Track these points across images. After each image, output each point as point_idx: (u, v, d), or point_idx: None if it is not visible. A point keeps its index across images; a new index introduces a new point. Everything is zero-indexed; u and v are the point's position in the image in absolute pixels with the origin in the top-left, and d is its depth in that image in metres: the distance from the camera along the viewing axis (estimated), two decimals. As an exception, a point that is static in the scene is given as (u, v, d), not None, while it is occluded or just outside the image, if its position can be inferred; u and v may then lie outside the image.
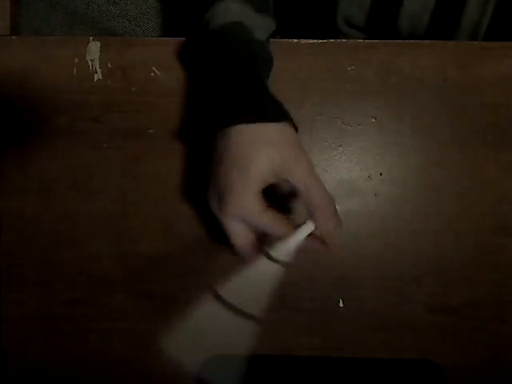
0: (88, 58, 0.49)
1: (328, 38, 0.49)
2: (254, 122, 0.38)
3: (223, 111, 0.39)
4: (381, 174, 0.49)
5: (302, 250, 0.38)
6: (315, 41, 0.49)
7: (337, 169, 0.49)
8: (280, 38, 0.50)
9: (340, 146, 0.49)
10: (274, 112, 0.39)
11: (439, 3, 0.54)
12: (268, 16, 0.47)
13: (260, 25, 0.45)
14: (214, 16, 0.44)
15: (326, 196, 0.38)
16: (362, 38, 0.62)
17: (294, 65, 0.48)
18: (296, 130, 0.40)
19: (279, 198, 0.45)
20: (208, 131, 0.41)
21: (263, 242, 0.39)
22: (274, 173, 0.37)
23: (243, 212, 0.37)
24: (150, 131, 0.49)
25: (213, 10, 0.44)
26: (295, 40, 0.49)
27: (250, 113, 0.38)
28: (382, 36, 0.60)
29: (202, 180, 0.41)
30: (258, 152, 0.37)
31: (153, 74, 0.49)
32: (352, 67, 0.48)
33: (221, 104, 0.40)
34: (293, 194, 0.47)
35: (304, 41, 0.49)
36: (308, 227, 0.38)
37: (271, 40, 0.48)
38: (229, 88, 0.40)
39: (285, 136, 0.38)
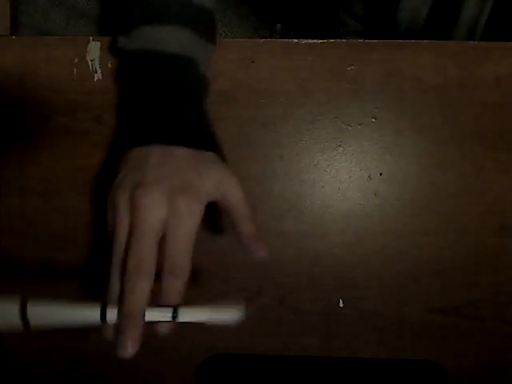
0: (88, 57, 0.49)
1: (327, 28, 0.49)
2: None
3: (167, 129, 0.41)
4: (381, 174, 0.49)
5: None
6: (315, 41, 0.48)
7: (337, 169, 0.49)
8: (280, 37, 0.49)
9: (340, 146, 0.49)
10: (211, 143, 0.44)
11: None
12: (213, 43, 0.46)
13: (205, 58, 0.45)
14: (164, 40, 0.42)
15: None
16: (360, 30, 0.62)
17: (294, 65, 0.48)
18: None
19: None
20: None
21: None
22: (218, 189, 0.40)
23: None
24: (150, 131, 0.49)
25: (160, 34, 0.42)
26: (295, 40, 0.49)
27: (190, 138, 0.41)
28: (380, 28, 0.60)
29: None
30: (210, 166, 0.40)
31: (153, 74, 0.49)
32: (352, 67, 0.48)
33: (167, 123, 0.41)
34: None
35: (304, 41, 0.49)
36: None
37: (270, 40, 0.47)
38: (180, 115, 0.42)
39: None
